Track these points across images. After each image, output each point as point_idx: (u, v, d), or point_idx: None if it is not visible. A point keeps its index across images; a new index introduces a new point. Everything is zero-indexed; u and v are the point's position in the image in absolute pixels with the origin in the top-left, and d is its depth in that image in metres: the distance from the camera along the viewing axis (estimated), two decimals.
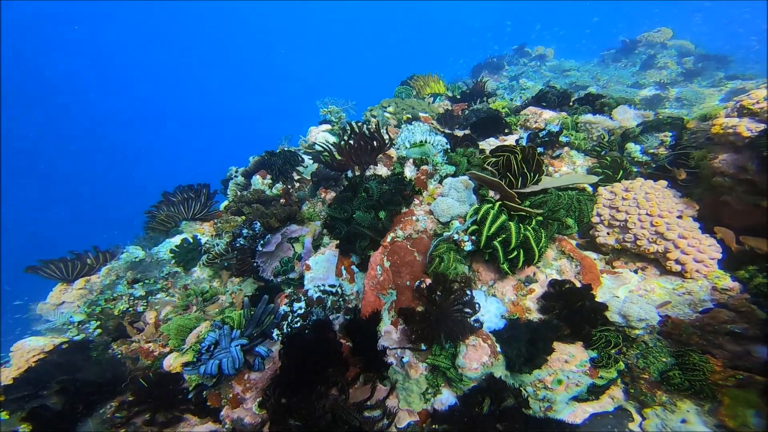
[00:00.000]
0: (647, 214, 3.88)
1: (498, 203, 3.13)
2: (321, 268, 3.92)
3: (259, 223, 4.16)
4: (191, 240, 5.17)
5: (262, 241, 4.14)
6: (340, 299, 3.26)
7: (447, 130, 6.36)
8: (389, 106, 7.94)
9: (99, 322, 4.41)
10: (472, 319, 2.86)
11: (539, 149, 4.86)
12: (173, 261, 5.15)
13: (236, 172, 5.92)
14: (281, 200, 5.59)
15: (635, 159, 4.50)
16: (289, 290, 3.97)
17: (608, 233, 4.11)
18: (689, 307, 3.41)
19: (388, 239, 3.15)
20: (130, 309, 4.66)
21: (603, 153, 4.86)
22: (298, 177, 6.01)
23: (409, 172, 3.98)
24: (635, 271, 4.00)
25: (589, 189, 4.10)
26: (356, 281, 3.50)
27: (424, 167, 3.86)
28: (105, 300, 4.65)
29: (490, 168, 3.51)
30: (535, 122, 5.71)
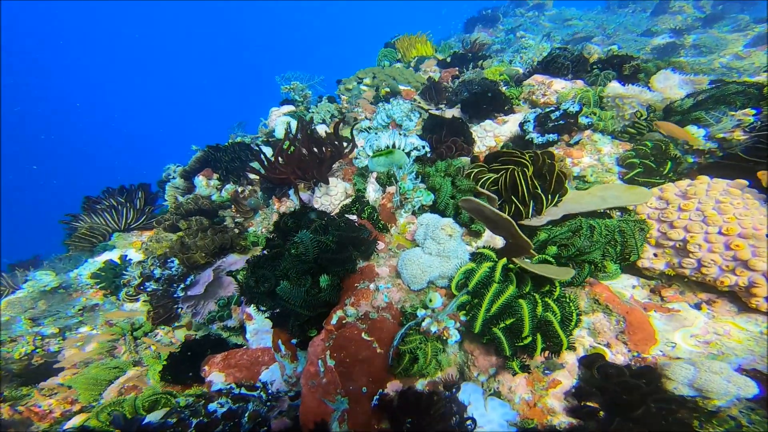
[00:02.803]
0: (720, 232, 2.58)
1: (502, 262, 1.83)
2: (266, 322, 2.73)
3: (176, 261, 2.90)
4: (118, 261, 3.93)
5: (182, 284, 2.90)
6: (268, 403, 2.07)
7: (433, 109, 4.87)
8: (365, 77, 6.33)
9: None
10: None
11: (551, 137, 3.44)
12: (99, 287, 3.95)
13: (174, 171, 4.58)
14: (232, 209, 4.27)
15: (694, 147, 3.10)
16: (219, 358, 2.79)
17: (656, 255, 2.84)
18: None
19: (334, 319, 1.91)
20: (38, 350, 3.56)
21: (639, 136, 3.45)
22: (255, 177, 4.64)
23: (373, 192, 2.65)
24: (697, 306, 2.78)
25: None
26: (300, 359, 2.33)
27: (392, 189, 2.51)
28: None
29: (486, 191, 2.18)
30: (544, 95, 4.22)
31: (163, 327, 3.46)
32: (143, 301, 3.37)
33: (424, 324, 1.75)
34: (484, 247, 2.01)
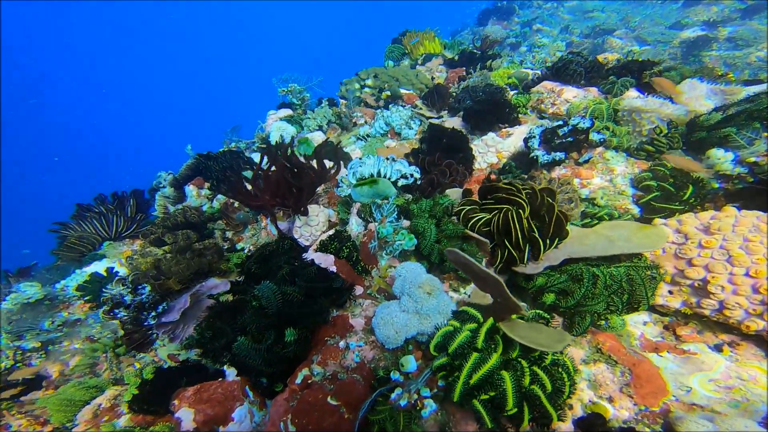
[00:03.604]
0: (748, 274, 2.26)
1: (487, 324, 1.58)
2: None
3: (148, 288, 2.74)
4: (104, 273, 3.83)
5: (154, 312, 2.75)
6: None
7: (434, 116, 4.56)
8: (367, 78, 6.03)
9: None
10: None
11: (558, 155, 3.12)
12: (85, 299, 3.86)
13: (165, 179, 4.43)
14: (222, 221, 4.11)
15: (720, 171, 2.74)
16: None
17: (671, 293, 2.54)
18: None
19: (299, 377, 1.70)
20: (19, 365, 3.51)
21: (658, 155, 3.10)
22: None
23: (356, 225, 2.39)
24: (717, 348, 2.48)
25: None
26: (268, 407, 2.14)
27: (373, 226, 2.25)
28: None
29: (475, 235, 1.91)
30: (553, 104, 3.86)
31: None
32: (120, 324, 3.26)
33: (393, 396, 1.52)
34: (469, 304, 1.76)
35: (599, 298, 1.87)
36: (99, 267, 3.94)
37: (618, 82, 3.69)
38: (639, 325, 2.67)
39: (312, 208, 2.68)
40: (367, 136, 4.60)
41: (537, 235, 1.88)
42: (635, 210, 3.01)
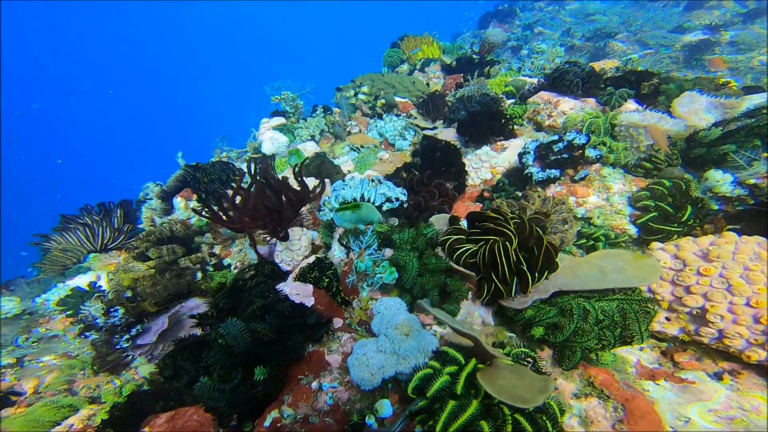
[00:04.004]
0: (749, 304, 2.15)
1: (468, 368, 1.47)
2: None
3: (121, 311, 2.64)
4: (86, 287, 3.74)
5: (127, 335, 2.65)
6: None
7: (429, 127, 4.45)
8: (363, 85, 5.91)
9: None
10: None
11: (553, 173, 3.00)
12: (66, 314, 3.76)
13: (152, 191, 4.33)
14: (210, 234, 4.01)
15: (719, 194, 2.62)
16: None
17: (668, 319, 2.43)
18: None
19: (268, 420, 1.59)
20: None
21: (656, 172, 2.98)
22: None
23: (339, 251, 2.27)
24: (718, 376, 2.37)
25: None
26: None
27: (354, 255, 2.12)
28: None
29: (460, 268, 1.80)
30: (549, 116, 3.74)
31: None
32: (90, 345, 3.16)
33: (370, 422, 1.42)
34: (451, 344, 1.65)
35: (590, 334, 1.76)
36: (82, 281, 3.84)
37: (616, 94, 3.57)
38: (635, 350, 2.55)
39: (294, 231, 2.57)
40: (361, 146, 4.49)
41: (525, 268, 1.77)
42: (632, 230, 2.89)
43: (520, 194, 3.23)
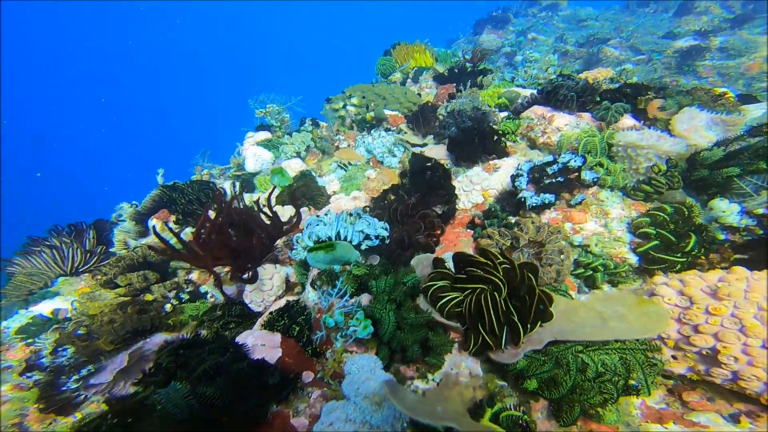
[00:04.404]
0: (765, 346, 1.96)
1: None
2: None
3: (71, 350, 2.40)
4: (48, 315, 3.47)
5: (76, 375, 2.41)
6: None
7: (419, 143, 4.24)
8: (353, 96, 5.70)
9: None
10: None
11: (548, 198, 2.80)
12: (26, 343, 3.49)
13: (126, 212, 4.06)
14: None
15: (725, 224, 2.43)
16: None
17: (674, 357, 2.23)
18: None
19: None
20: None
21: (657, 195, 2.78)
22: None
23: (312, 295, 2.04)
24: (734, 418, 2.17)
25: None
26: None
27: (330, 301, 1.89)
28: None
29: (443, 320, 1.59)
30: (543, 133, 3.54)
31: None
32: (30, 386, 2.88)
33: None
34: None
35: (589, 392, 1.55)
36: (46, 307, 3.59)
37: (612, 108, 3.38)
38: None
39: (265, 270, 2.34)
40: (348, 163, 4.28)
41: (516, 319, 1.56)
42: (633, 259, 2.69)
43: (513, 220, 3.03)
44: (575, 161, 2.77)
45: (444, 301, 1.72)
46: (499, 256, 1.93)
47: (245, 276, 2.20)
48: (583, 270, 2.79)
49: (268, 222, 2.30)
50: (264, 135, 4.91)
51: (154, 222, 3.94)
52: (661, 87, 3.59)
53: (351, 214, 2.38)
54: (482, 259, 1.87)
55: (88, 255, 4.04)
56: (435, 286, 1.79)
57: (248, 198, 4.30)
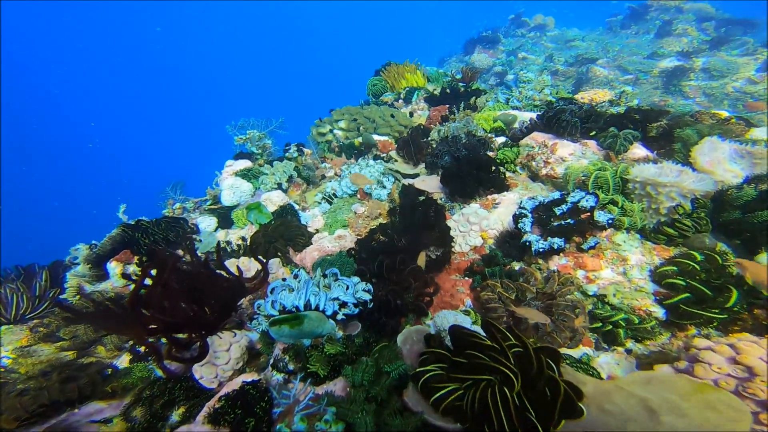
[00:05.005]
0: None
1: None
2: None
3: None
4: None
5: None
6: None
7: (409, 173, 3.84)
8: (341, 119, 5.33)
9: None
10: None
11: (556, 242, 2.39)
12: None
13: (82, 254, 3.52)
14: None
15: None
16: None
17: None
18: None
19: None
20: None
21: (681, 239, 2.38)
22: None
23: (278, 376, 1.59)
24: None
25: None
26: None
27: (293, 394, 1.43)
28: None
29: (440, 422, 1.14)
30: (546, 163, 3.16)
31: None
32: None
33: None
34: None
35: None
36: None
37: (620, 136, 3.02)
38: None
39: (222, 338, 1.87)
40: (334, 195, 3.85)
41: (534, 419, 1.12)
42: (659, 312, 2.27)
43: (517, 266, 2.61)
44: (587, 201, 2.37)
45: (440, 394, 1.27)
46: (508, 334, 1.49)
47: (188, 356, 1.73)
48: (600, 324, 2.37)
49: (226, 280, 1.85)
50: (244, 163, 4.48)
51: (113, 264, 3.44)
52: (661, 111, 3.25)
53: (325, 275, 1.94)
54: (488, 342, 1.43)
55: (37, 300, 3.51)
56: (428, 374, 1.34)
57: (222, 234, 3.83)
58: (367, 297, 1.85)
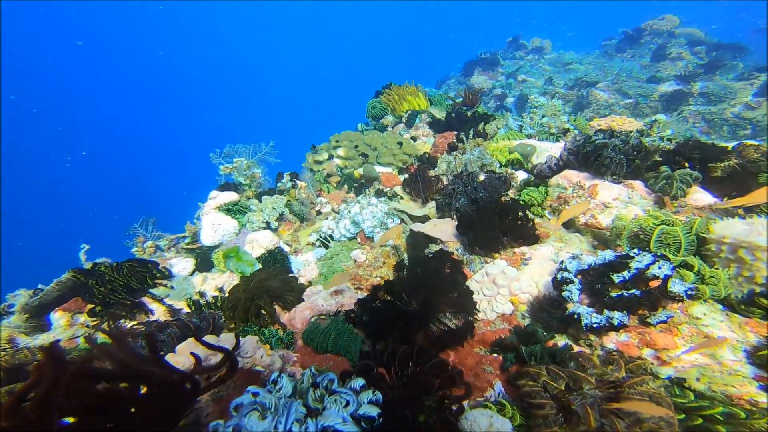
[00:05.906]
0: None
1: None
2: None
3: None
4: None
5: None
6: None
7: (417, 213, 3.25)
8: (338, 147, 4.77)
9: None
10: None
11: (617, 317, 1.77)
12: None
13: (19, 301, 2.85)
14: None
15: None
16: None
17: None
18: None
19: None
20: None
21: None
22: (165, 309, 2.98)
23: None
24: None
25: None
26: None
27: None
28: None
29: None
30: (587, 211, 2.56)
31: None
32: None
33: None
34: None
35: None
36: None
37: (676, 177, 2.45)
38: None
39: None
40: (330, 237, 3.24)
41: None
42: (765, 400, 1.64)
43: (561, 344, 1.98)
44: (659, 269, 1.77)
45: None
46: None
47: None
48: (683, 416, 1.73)
49: (175, 375, 1.23)
50: (229, 196, 3.87)
51: (58, 315, 2.78)
52: (722, 149, 2.70)
53: (316, 385, 1.31)
54: None
55: None
56: None
57: (200, 279, 3.19)
58: (374, 413, 1.23)
